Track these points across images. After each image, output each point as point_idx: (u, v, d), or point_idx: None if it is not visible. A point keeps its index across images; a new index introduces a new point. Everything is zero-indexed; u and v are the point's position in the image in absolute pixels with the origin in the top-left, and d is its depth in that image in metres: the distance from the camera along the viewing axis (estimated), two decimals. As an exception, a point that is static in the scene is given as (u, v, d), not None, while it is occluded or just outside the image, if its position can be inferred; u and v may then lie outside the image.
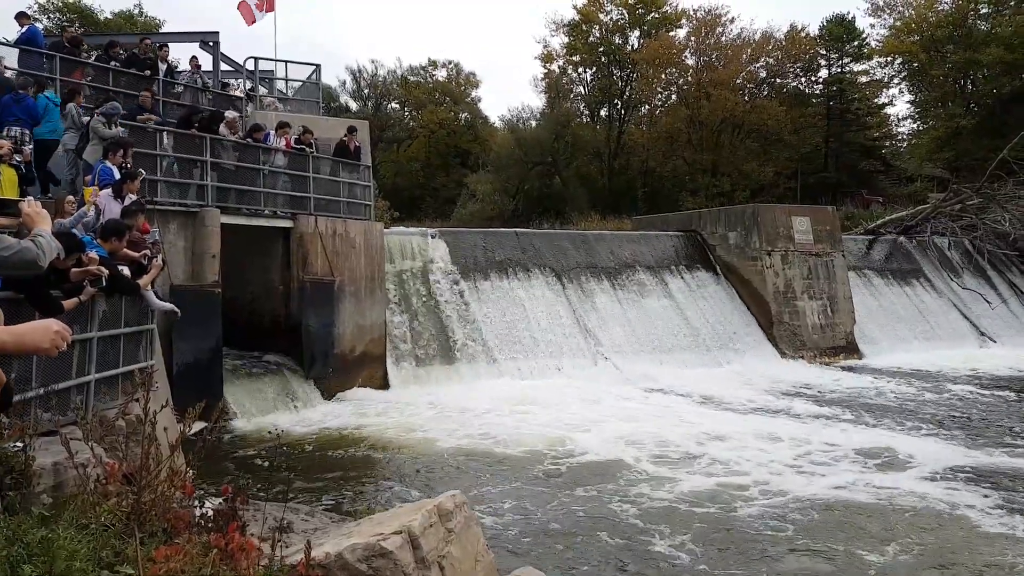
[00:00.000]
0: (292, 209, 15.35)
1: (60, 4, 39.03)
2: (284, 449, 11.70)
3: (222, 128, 14.37)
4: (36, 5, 38.07)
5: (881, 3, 44.49)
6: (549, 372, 18.31)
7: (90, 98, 12.90)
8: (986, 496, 9.56)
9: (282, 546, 3.42)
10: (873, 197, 39.63)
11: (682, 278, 23.15)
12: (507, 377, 17.68)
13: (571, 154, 48.63)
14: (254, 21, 20.01)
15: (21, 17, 13.49)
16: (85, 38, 16.80)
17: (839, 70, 46.83)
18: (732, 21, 46.24)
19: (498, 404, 14.99)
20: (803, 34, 45.56)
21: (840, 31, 45.77)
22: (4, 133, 10.58)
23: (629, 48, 48.62)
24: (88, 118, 11.35)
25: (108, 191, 9.37)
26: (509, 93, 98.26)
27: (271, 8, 19.91)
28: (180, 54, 23.01)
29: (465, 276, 19.65)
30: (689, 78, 45.83)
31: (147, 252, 8.29)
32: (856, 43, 46.41)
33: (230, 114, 14.97)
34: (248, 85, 20.10)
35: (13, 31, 13.78)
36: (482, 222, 39.89)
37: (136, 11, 42.56)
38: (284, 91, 20.64)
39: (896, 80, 45.96)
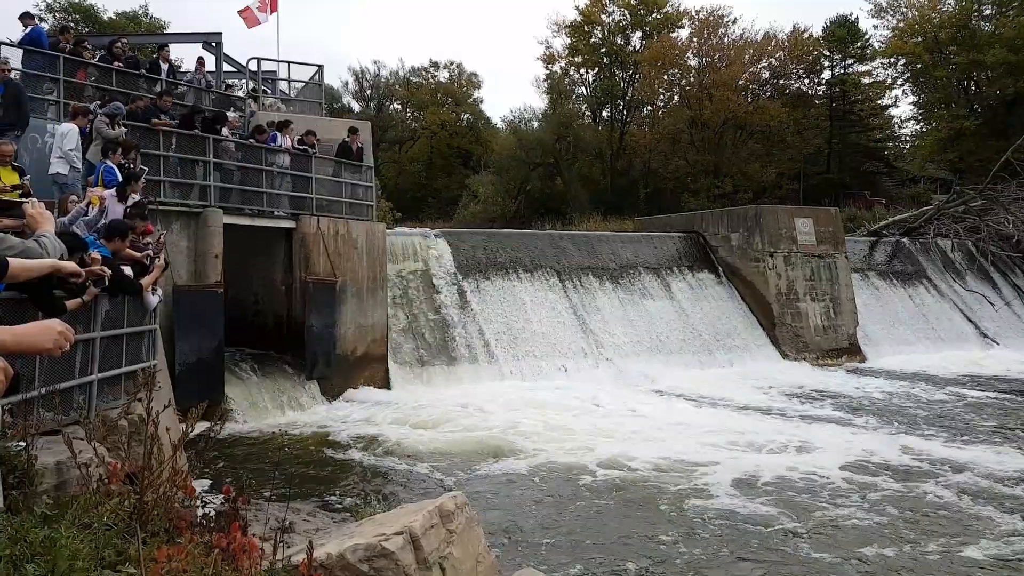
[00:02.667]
0: (294, 210, 15.38)
1: (65, 4, 39.09)
2: (286, 449, 11.72)
3: (224, 128, 14.41)
4: (44, 4, 38.17)
5: (884, 4, 44.44)
6: (551, 373, 18.32)
7: (91, 98, 12.92)
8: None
9: (284, 546, 3.43)
10: (876, 198, 39.58)
11: (684, 279, 23.14)
12: (508, 378, 17.69)
13: (573, 155, 48.63)
14: (257, 23, 20.00)
15: (25, 18, 13.51)
16: (89, 38, 16.81)
17: (842, 71, 46.76)
18: (734, 22, 46.35)
19: (499, 404, 14.99)
20: (806, 35, 45.55)
21: (843, 32, 45.67)
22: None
23: (631, 49, 48.60)
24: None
25: (112, 192, 9.40)
26: (511, 94, 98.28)
27: (274, 9, 19.91)
28: (184, 55, 23.06)
29: (467, 277, 19.66)
30: (691, 79, 45.82)
31: (149, 252, 8.30)
32: (859, 44, 46.31)
33: (230, 115, 15.01)
34: (250, 86, 20.11)
35: (16, 31, 13.81)
36: (484, 223, 39.90)
37: (141, 11, 42.62)
38: (287, 92, 20.64)
39: (899, 81, 45.91)
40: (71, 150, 10.25)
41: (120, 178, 9.91)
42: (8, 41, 13.91)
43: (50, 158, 10.45)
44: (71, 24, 33.51)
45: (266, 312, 16.24)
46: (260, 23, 19.96)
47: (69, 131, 10.32)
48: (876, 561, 7.56)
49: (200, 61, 17.89)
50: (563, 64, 51.82)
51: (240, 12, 19.83)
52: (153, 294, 8.08)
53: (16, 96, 10.88)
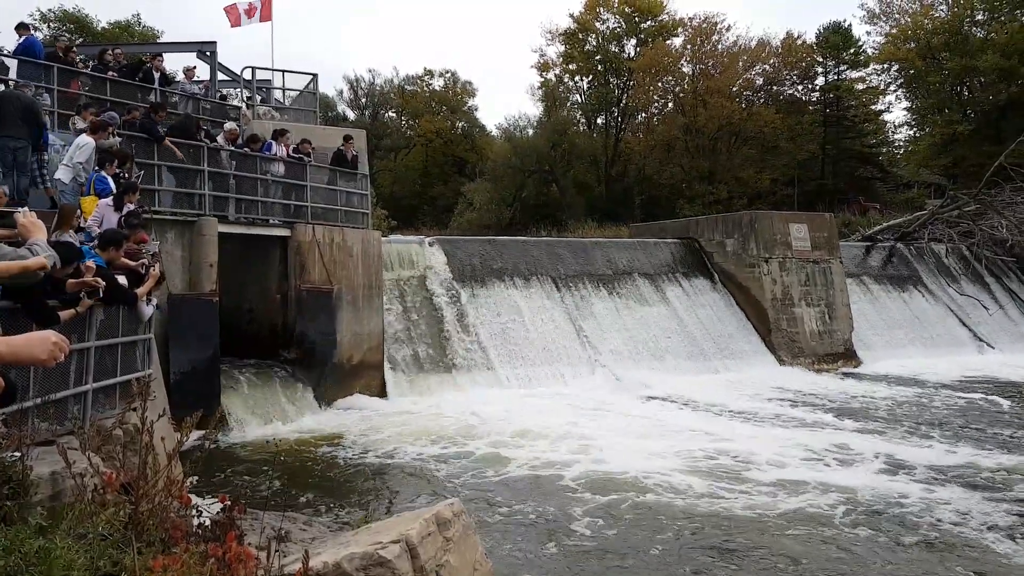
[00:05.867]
0: (289, 218, 15.37)
1: (59, 14, 39.14)
2: (282, 458, 11.68)
3: (219, 138, 14.43)
4: (37, 13, 38.24)
5: (877, 10, 44.73)
6: (547, 380, 18.30)
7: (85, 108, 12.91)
8: (990, 501, 9.59)
9: (280, 555, 3.42)
10: (870, 204, 39.71)
11: (680, 285, 23.17)
12: (505, 385, 17.68)
13: (568, 162, 48.73)
14: (239, 24, 19.96)
15: (20, 28, 13.51)
16: (82, 48, 16.82)
17: (836, 77, 46.96)
18: (728, 29, 46.50)
19: (496, 412, 14.96)
20: (799, 42, 45.73)
21: (837, 38, 45.90)
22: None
23: (626, 56, 48.77)
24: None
25: (107, 201, 9.39)
26: (506, 100, 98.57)
27: (268, 18, 19.91)
28: (178, 65, 23.08)
29: (463, 284, 19.67)
30: (685, 86, 45.97)
31: (144, 262, 8.29)
32: (852, 50, 46.54)
33: (228, 125, 15.02)
34: (245, 95, 20.12)
35: (11, 38, 13.81)
36: (479, 230, 39.97)
37: (134, 20, 42.67)
38: (281, 100, 20.68)
39: (893, 87, 46.13)
40: (80, 163, 10.23)
41: (113, 188, 9.91)
42: (3, 52, 13.91)
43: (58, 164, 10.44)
44: (65, 35, 33.54)
45: (261, 320, 16.20)
46: (241, 25, 19.92)
47: (86, 144, 10.28)
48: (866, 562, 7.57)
49: (189, 70, 17.88)
50: (557, 71, 52.04)
51: (225, 8, 19.82)
52: (148, 304, 8.08)
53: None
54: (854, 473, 10.97)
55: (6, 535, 2.88)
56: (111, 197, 9.55)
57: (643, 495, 9.91)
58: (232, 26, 19.98)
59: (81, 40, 34.23)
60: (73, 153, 10.23)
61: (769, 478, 10.64)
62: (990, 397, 17.65)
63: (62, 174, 10.18)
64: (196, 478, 9.04)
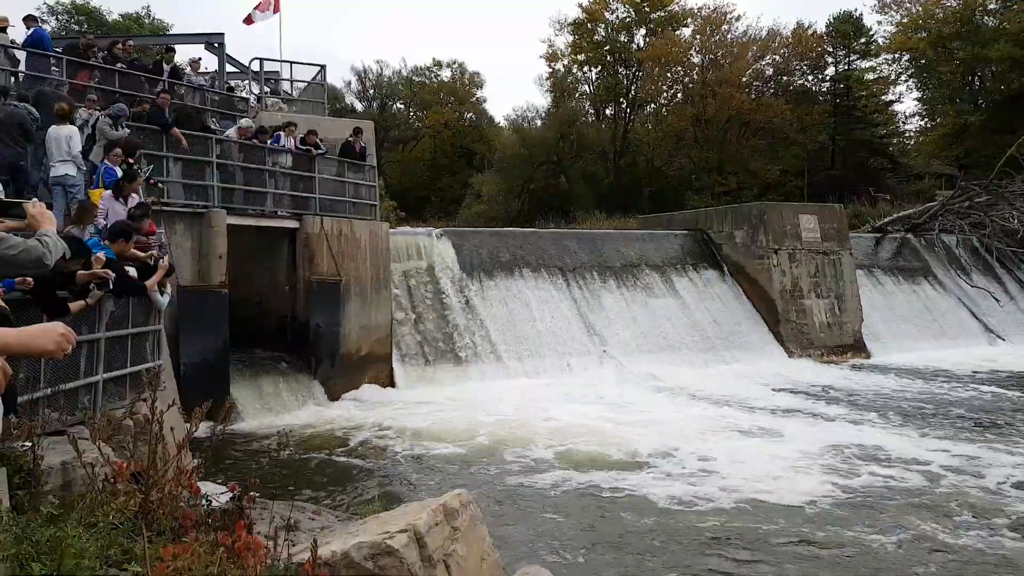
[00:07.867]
0: (298, 210, 15.41)
1: (69, 6, 39.22)
2: (291, 448, 11.74)
3: (232, 132, 14.47)
4: (44, 6, 38.33)
5: (888, 0, 44.34)
6: (555, 371, 18.32)
7: (95, 101, 12.95)
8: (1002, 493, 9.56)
9: (288, 544, 3.44)
10: (880, 195, 39.45)
11: (688, 277, 23.11)
12: (513, 376, 17.70)
13: (576, 153, 48.59)
14: (251, 21, 19.99)
15: (29, 20, 13.56)
16: (94, 40, 16.87)
17: (846, 67, 46.64)
18: (738, 19, 46.26)
19: (504, 403, 14.99)
20: (810, 31, 45.42)
21: (847, 28, 45.55)
22: None
23: (635, 47, 48.54)
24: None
25: (109, 192, 9.41)
26: (514, 92, 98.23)
27: (276, 9, 19.91)
28: (186, 56, 23.12)
29: (471, 276, 19.68)
30: (695, 76, 45.77)
31: (154, 253, 8.33)
32: (863, 40, 46.19)
33: (244, 121, 15.05)
34: (254, 87, 20.14)
35: (20, 32, 13.85)
36: (488, 222, 39.92)
37: (144, 13, 42.76)
38: (289, 92, 20.68)
39: (903, 77, 45.84)
40: (79, 152, 10.21)
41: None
42: (12, 44, 13.94)
43: (51, 161, 10.20)
44: (77, 28, 33.68)
45: (270, 312, 16.27)
46: (255, 21, 19.94)
47: (74, 133, 10.22)
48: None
49: (194, 62, 17.89)
50: (566, 62, 51.77)
51: (245, 20, 19.92)
52: (163, 294, 8.12)
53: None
54: (853, 468, 10.94)
55: (18, 524, 2.91)
56: (112, 188, 9.55)
57: (652, 485, 9.91)
58: (246, 24, 20.03)
59: (92, 33, 34.31)
60: (67, 145, 10.11)
61: (782, 475, 10.63)
62: (1002, 389, 17.50)
63: (67, 168, 10.01)
64: (215, 482, 9.13)
